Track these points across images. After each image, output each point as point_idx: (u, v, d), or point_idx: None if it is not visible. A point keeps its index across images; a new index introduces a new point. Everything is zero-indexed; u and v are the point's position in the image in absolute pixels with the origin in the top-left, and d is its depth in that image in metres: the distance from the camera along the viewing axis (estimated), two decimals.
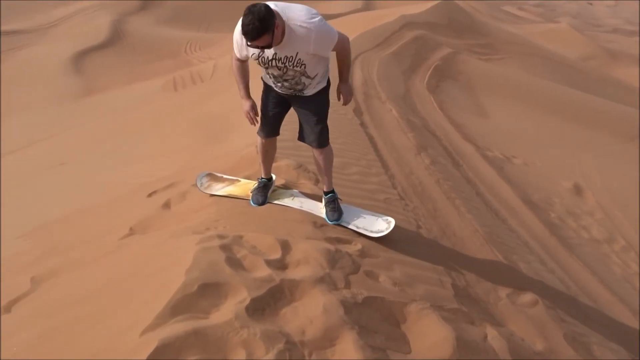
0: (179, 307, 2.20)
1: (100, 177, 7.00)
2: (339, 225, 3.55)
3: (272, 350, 2.05)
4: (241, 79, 3.41)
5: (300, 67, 3.15)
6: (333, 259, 2.89)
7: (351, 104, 8.01)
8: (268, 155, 3.72)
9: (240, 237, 2.94)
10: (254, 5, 2.85)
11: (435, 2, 19.42)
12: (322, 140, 3.49)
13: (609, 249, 6.67)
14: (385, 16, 16.94)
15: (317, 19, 3.03)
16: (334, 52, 3.31)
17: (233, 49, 3.30)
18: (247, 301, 2.30)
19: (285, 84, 3.30)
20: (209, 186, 3.93)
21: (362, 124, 7.20)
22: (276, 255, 2.82)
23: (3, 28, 21.11)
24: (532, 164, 8.99)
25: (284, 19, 2.96)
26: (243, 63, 3.38)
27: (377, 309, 2.61)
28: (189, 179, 4.35)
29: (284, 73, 3.21)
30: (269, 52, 3.09)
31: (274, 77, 3.29)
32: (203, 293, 2.31)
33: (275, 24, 2.88)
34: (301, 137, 3.58)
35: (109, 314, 2.42)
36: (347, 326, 2.31)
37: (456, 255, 3.99)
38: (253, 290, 2.38)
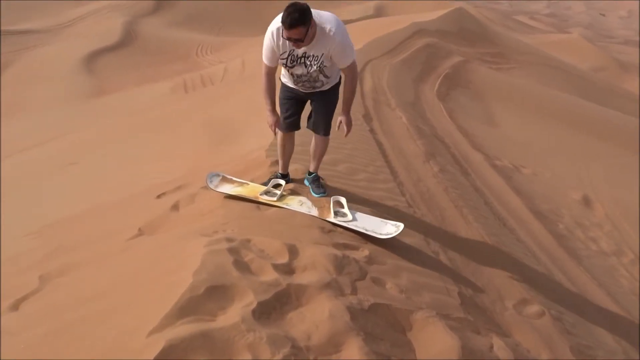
0: (186, 308, 2.21)
1: (109, 178, 7.04)
2: (348, 229, 3.55)
3: (277, 355, 2.05)
4: (268, 92, 3.73)
5: (323, 66, 3.52)
6: (340, 265, 2.89)
7: (360, 110, 8.02)
8: (285, 151, 4.00)
9: (248, 240, 2.95)
10: (295, 2, 3.22)
11: (447, 10, 19.44)
12: (327, 130, 3.92)
13: (617, 262, 6.62)
14: (396, 23, 16.97)
15: (343, 29, 3.43)
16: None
17: (263, 59, 3.61)
18: (254, 305, 2.30)
19: (306, 83, 3.65)
20: (218, 185, 3.97)
21: (371, 131, 7.20)
22: (283, 259, 2.83)
23: (16, 27, 21.32)
24: (541, 174, 8.95)
25: (317, 22, 3.33)
26: (272, 73, 3.69)
27: (383, 315, 2.61)
28: (198, 182, 4.38)
29: (308, 72, 3.56)
30: (299, 51, 3.44)
31: (297, 76, 3.62)
32: (210, 295, 2.31)
33: (312, 21, 3.27)
34: (310, 125, 3.95)
35: (116, 314, 2.43)
36: (353, 332, 2.31)
37: (463, 264, 3.98)
38: (260, 294, 2.39)
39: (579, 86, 18.31)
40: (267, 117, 3.79)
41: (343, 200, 3.87)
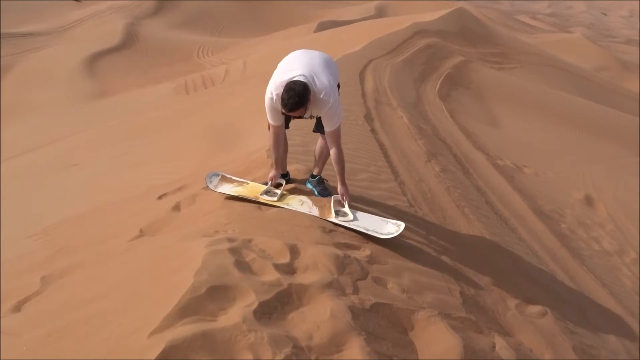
0: (188, 309, 2.21)
1: (111, 179, 7.04)
2: (349, 229, 3.54)
3: (279, 355, 2.05)
4: (276, 150, 3.83)
5: (316, 118, 3.75)
6: (341, 265, 2.89)
7: (362, 110, 8.02)
8: (279, 145, 3.88)
9: (249, 240, 2.95)
10: (294, 83, 3.39)
11: (448, 10, 19.43)
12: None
13: (619, 261, 6.60)
14: (397, 23, 16.97)
15: (335, 96, 3.56)
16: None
17: (267, 118, 3.71)
18: (255, 305, 2.30)
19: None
20: (218, 185, 3.95)
21: (373, 131, 7.20)
22: (285, 259, 2.82)
23: (17, 30, 21.37)
24: (543, 174, 8.94)
25: (314, 91, 3.45)
26: (278, 131, 3.77)
27: (384, 315, 2.60)
28: (200, 182, 4.37)
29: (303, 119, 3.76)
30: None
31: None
32: (211, 296, 2.31)
33: (309, 100, 3.41)
34: (317, 129, 3.93)
35: (117, 314, 2.43)
36: (355, 332, 2.31)
37: (465, 264, 3.97)
38: (261, 294, 2.39)
39: (581, 86, 18.29)
40: (270, 172, 3.91)
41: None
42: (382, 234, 3.50)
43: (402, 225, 3.59)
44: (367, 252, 3.24)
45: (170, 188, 4.78)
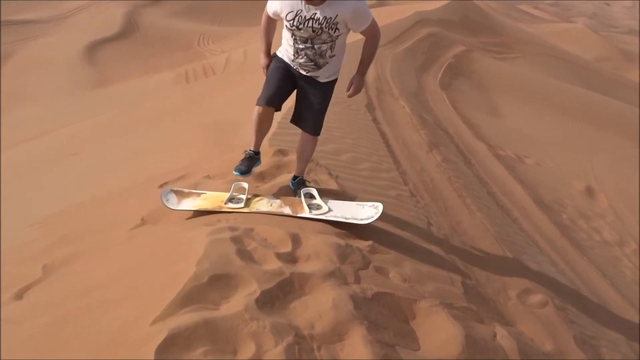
0: (189, 297, 2.21)
1: (111, 168, 7.03)
2: (327, 221, 3.39)
3: (281, 343, 2.05)
4: (266, 36, 3.56)
5: (334, 32, 3.19)
6: (343, 254, 2.88)
7: (363, 100, 7.99)
8: (262, 127, 3.57)
9: (251, 229, 2.94)
10: None
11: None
12: (317, 129, 3.61)
13: (620, 252, 6.61)
14: (399, 12, 16.87)
15: None
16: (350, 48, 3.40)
17: (266, 8, 3.39)
18: (257, 293, 2.30)
19: (309, 52, 3.31)
20: (178, 202, 3.64)
21: (374, 120, 7.17)
22: (287, 248, 2.82)
23: (17, 17, 21.26)
24: (545, 165, 8.92)
25: None
26: (272, 21, 3.48)
27: (386, 304, 2.60)
28: (200, 171, 4.36)
29: (316, 36, 3.22)
30: (307, 12, 3.14)
31: (301, 41, 3.28)
32: (213, 284, 2.31)
33: None
34: (296, 120, 3.64)
35: (119, 303, 2.43)
36: (356, 321, 2.31)
37: (466, 254, 3.97)
38: (263, 283, 2.38)
39: (582, 76, 18.22)
40: (260, 59, 3.63)
41: (314, 191, 3.64)
42: (361, 219, 3.33)
43: (380, 206, 3.42)
44: (369, 241, 3.24)
45: (171, 177, 4.76)
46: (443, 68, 13.06)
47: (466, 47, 15.28)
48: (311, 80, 3.48)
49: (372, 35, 3.38)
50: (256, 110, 3.47)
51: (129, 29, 21.43)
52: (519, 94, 13.36)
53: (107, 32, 20.68)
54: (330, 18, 3.12)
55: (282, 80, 3.48)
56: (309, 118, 3.57)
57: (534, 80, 14.87)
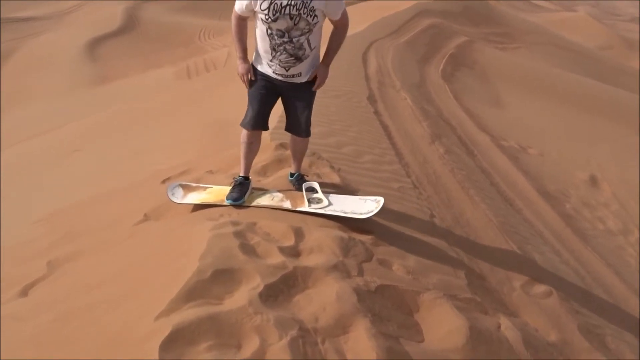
0: (193, 292, 2.21)
1: (114, 164, 7.04)
2: (326, 215, 3.35)
3: (285, 337, 2.05)
4: (240, 39, 3.39)
5: (313, 19, 3.10)
6: (346, 247, 2.88)
7: (365, 92, 7.97)
8: (251, 150, 3.56)
9: (254, 224, 2.94)
10: None
11: None
12: (309, 131, 3.58)
13: (624, 241, 6.60)
14: (400, 4, 16.80)
15: None
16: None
17: (234, 8, 3.28)
18: (261, 288, 2.30)
19: (288, 47, 3.20)
20: (183, 196, 3.65)
21: (376, 112, 7.15)
22: (289, 242, 2.82)
23: (18, 15, 21.25)
24: (548, 155, 8.90)
25: None
26: (243, 21, 3.36)
27: (390, 297, 2.60)
28: (203, 166, 4.36)
29: (293, 26, 3.11)
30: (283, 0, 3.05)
31: (278, 35, 3.16)
32: (217, 279, 2.31)
33: None
34: (289, 129, 3.61)
35: (124, 299, 2.44)
36: (360, 314, 2.31)
37: (470, 245, 3.97)
38: (266, 277, 2.38)
39: (585, 65, 18.13)
40: (238, 67, 3.40)
41: (315, 184, 3.60)
42: (361, 213, 3.30)
43: (382, 200, 3.39)
44: (372, 234, 3.23)
45: (174, 172, 4.76)
46: (445, 59, 13.01)
47: (468, 37, 15.22)
48: (294, 87, 3.40)
49: (342, 24, 3.34)
50: (243, 133, 3.51)
51: (129, 25, 21.43)
52: (521, 84, 13.31)
53: (108, 28, 20.69)
54: (306, 3, 3.04)
55: (266, 103, 3.46)
56: (300, 123, 3.53)
57: (537, 70, 14.81)
